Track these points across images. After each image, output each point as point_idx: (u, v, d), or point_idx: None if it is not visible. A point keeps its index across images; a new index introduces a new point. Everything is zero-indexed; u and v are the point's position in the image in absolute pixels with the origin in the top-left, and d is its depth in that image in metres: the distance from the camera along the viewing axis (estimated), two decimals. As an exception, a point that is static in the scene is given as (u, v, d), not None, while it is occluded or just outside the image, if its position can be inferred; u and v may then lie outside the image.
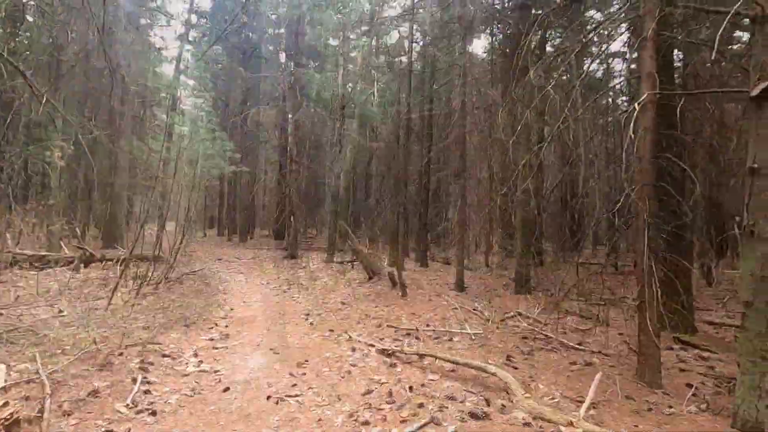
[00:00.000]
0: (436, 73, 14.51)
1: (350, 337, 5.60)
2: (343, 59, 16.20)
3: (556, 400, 3.73)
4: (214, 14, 22.39)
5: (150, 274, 8.08)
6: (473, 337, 5.57)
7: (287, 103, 15.45)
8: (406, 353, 4.69)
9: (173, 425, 3.19)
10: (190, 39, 22.59)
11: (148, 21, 20.76)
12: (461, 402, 3.57)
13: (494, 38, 17.19)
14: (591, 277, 5.20)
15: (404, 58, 17.27)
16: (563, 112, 3.72)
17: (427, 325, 6.14)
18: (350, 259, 12.81)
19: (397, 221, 9.89)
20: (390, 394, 3.74)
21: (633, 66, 15.41)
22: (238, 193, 21.81)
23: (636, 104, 3.49)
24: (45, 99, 4.27)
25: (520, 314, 6.81)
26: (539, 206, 4.76)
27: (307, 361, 4.76)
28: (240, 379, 4.20)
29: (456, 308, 7.28)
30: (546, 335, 5.59)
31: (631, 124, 3.47)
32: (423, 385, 3.93)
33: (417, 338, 5.52)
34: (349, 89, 16.58)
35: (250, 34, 21.12)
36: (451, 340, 5.52)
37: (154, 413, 3.34)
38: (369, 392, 3.83)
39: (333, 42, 19.42)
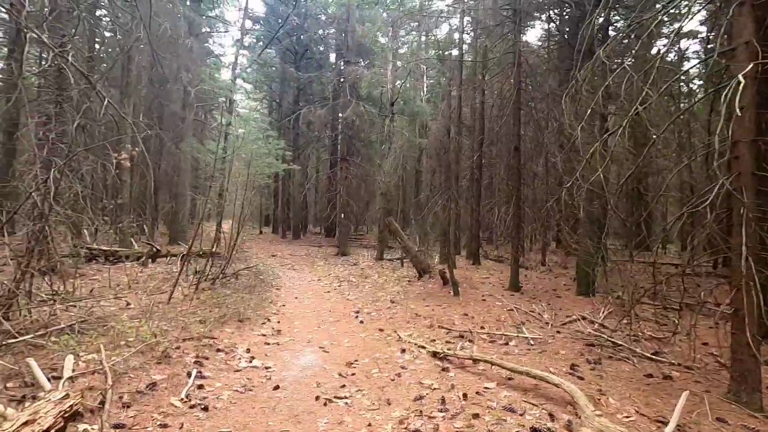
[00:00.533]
0: (488, 63, 13.95)
1: (400, 337, 5.43)
2: (393, 55, 16.04)
3: (631, 418, 3.32)
4: (267, 19, 23.12)
5: (208, 269, 8.41)
6: (531, 342, 5.19)
7: (337, 102, 15.56)
8: (459, 357, 4.43)
9: (224, 422, 3.19)
10: (245, 44, 23.54)
11: (208, 29, 21.82)
12: (521, 415, 3.27)
13: (550, 24, 16.28)
14: (668, 279, 4.63)
15: (455, 51, 16.83)
16: (638, 96, 3.26)
17: (482, 328, 5.83)
18: (400, 257, 12.67)
19: (448, 218, 9.57)
20: (442, 401, 3.52)
21: (710, 46, 13.91)
22: (291, 191, 22.43)
23: (740, 76, 2.96)
24: (106, 103, 4.48)
25: (583, 318, 6.29)
26: (607, 200, 4.28)
27: (356, 360, 4.65)
28: (290, 377, 4.17)
29: (512, 309, 6.88)
30: (615, 343, 5.08)
31: (727, 102, 2.96)
32: (478, 394, 3.67)
33: (470, 341, 5.23)
34: (399, 85, 16.41)
35: (301, 36, 21.56)
36: (507, 344, 5.18)
37: (206, 409, 3.36)
38: (420, 398, 3.63)
39: (382, 39, 19.35)
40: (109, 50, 18.02)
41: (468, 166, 13.14)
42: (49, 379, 3.28)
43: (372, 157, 16.86)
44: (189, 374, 3.89)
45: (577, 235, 6.52)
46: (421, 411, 3.39)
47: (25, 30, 5.62)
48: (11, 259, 5.23)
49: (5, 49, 17.66)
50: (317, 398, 3.66)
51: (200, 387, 3.72)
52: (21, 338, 3.80)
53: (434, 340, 5.30)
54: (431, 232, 10.33)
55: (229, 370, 4.23)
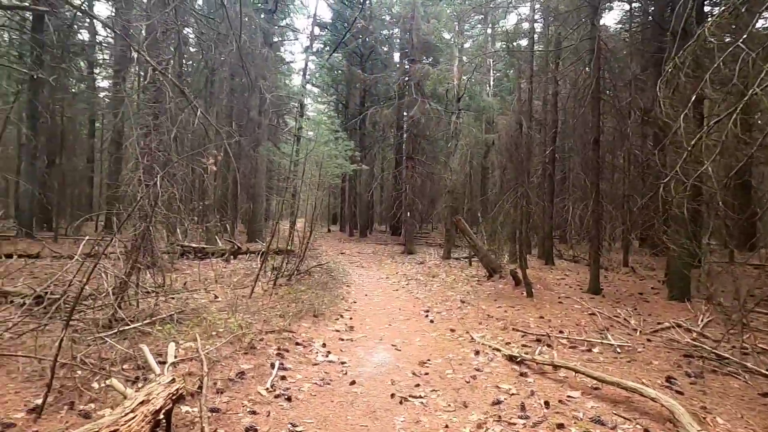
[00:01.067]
0: (562, 52, 13.17)
1: (473, 338, 5.33)
2: (458, 50, 15.76)
3: (745, 441, 2.95)
4: (334, 24, 23.86)
5: (284, 266, 8.88)
6: (618, 350, 4.81)
7: (402, 101, 15.61)
8: (537, 362, 4.24)
9: (306, 414, 3.34)
10: (314, 50, 24.50)
11: (279, 39, 22.97)
12: (612, 429, 3.05)
13: (633, 4, 14.97)
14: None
15: (524, 42, 16.11)
16: (756, 77, 2.83)
17: (560, 332, 5.52)
18: (468, 256, 12.42)
19: (520, 216, 9.20)
20: (522, 407, 3.39)
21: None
22: (358, 191, 22.96)
23: None
24: (199, 113, 4.90)
25: (678, 326, 5.71)
26: (711, 195, 3.83)
27: (428, 360, 4.64)
28: (365, 373, 4.26)
29: (593, 314, 6.44)
30: (719, 355, 4.54)
31: None
32: (561, 402, 3.48)
33: (549, 345, 4.98)
34: (465, 81, 16.06)
35: (367, 38, 21.95)
36: (590, 350, 4.85)
37: (289, 399, 3.55)
38: (498, 402, 3.53)
39: (447, 35, 19.08)
40: (193, 63, 19.67)
41: (540, 161, 12.52)
42: (156, 364, 3.67)
43: (437, 155, 16.72)
44: (272, 365, 4.13)
45: (669, 233, 5.91)
46: (499, 416, 3.29)
47: (133, 52, 6.26)
48: (121, 255, 5.89)
49: (110, 69, 20.02)
50: (392, 396, 3.71)
51: (283, 378, 3.94)
52: (132, 326, 4.29)
53: (509, 343, 5.12)
54: (501, 231, 10.00)
55: (307, 363, 4.43)
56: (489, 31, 21.97)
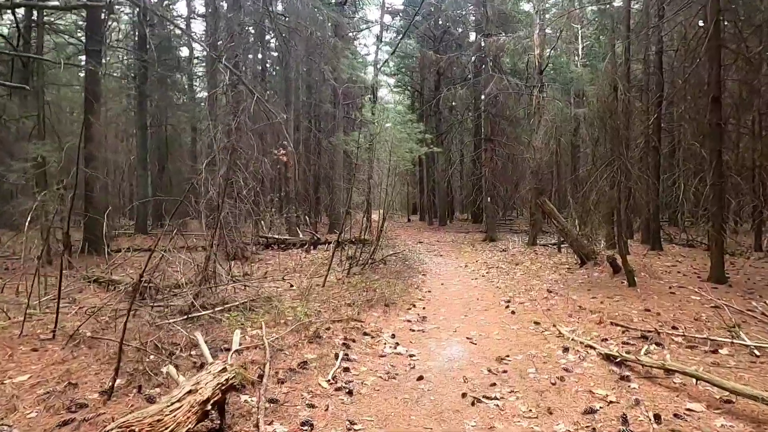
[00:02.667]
0: (666, 3, 11.24)
1: (561, 333, 4.65)
2: (539, 18, 14.34)
3: None
4: (406, 10, 23.37)
5: (358, 255, 8.81)
6: (757, 353, 3.82)
7: (478, 79, 14.69)
8: (644, 364, 3.49)
9: (366, 410, 3.08)
10: (386, 40, 24.32)
11: (353, 32, 23.12)
12: (754, 457, 2.32)
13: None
14: None
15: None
16: None
17: (673, 328, 4.59)
18: (557, 242, 11.31)
19: (618, 194, 8.01)
20: (624, 420, 2.76)
21: None
22: (436, 179, 22.36)
23: None
24: (276, 116, 4.90)
25: (844, 324, 4.43)
26: None
27: (507, 356, 4.12)
28: (435, 367, 3.90)
29: (717, 307, 5.31)
30: None
31: None
32: (677, 416, 2.78)
33: (658, 344, 4.14)
34: (548, 51, 14.61)
35: (439, 19, 21.13)
36: (715, 352, 3.93)
37: (350, 393, 3.32)
38: (591, 411, 2.93)
39: (525, 6, 17.55)
40: (273, 64, 20.58)
41: (642, 132, 10.87)
42: (220, 350, 3.69)
43: (519, 135, 15.47)
44: (336, 356, 3.95)
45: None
46: (593, 428, 2.71)
47: (217, 60, 6.55)
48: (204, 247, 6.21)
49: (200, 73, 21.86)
50: (464, 395, 3.29)
51: (346, 370, 3.74)
52: (203, 312, 4.42)
53: (606, 340, 4.37)
54: (595, 212, 8.85)
55: (374, 355, 4.19)
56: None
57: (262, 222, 13.23)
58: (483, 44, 14.99)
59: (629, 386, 3.27)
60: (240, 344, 3.77)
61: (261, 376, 3.32)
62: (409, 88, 27.74)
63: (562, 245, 10.83)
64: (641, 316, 5.17)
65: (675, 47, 12.04)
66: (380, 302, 6.08)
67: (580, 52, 19.56)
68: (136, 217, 17.23)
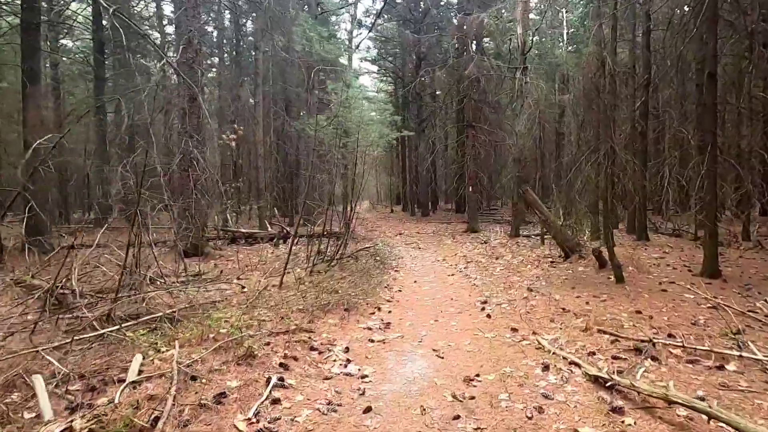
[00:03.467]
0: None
1: (541, 344, 3.99)
2: (522, -4, 13.56)
3: None
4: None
5: (324, 250, 8.06)
6: (770, 368, 3.21)
7: (459, 60, 13.89)
8: (640, 391, 2.83)
9: (286, 464, 2.36)
10: (368, 23, 23.31)
11: (325, 11, 21.94)
12: None
13: None
14: None
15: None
16: None
17: (670, 336, 3.97)
18: (540, 233, 10.71)
19: (605, 180, 7.39)
20: (619, 479, 2.09)
21: None
22: (420, 169, 21.59)
23: None
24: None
25: None
26: None
27: (477, 375, 3.44)
28: (388, 393, 3.20)
29: (715, 307, 4.72)
30: None
31: None
32: (688, 473, 2.12)
33: (654, 359, 3.50)
34: (531, 33, 13.86)
35: (421, 1, 20.18)
36: (722, 368, 3.30)
37: (273, 437, 2.60)
38: (576, 462, 2.26)
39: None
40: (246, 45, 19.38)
41: (628, 116, 10.28)
42: (112, 383, 2.90)
43: (502, 122, 14.77)
44: (268, 381, 3.22)
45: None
46: (579, 491, 2.03)
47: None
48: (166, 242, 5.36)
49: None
50: (418, 436, 2.60)
51: (276, 402, 3.00)
52: (97, 332, 3.61)
53: (593, 353, 3.72)
54: (580, 201, 8.24)
55: (318, 377, 3.47)
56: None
57: (230, 215, 12.36)
58: (464, 25, 14.15)
59: (623, 422, 2.60)
60: (140, 372, 3.00)
61: (157, 419, 2.56)
62: (390, 74, 26.77)
63: (545, 237, 10.24)
64: (632, 320, 4.54)
65: (664, 26, 11.42)
66: (339, 306, 5.35)
67: (565, 37, 18.93)
68: (97, 210, 16.12)
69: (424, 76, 16.18)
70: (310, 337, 4.24)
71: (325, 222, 8.82)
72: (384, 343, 4.35)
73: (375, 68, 28.05)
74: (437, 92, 22.28)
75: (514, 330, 4.51)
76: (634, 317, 4.65)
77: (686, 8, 10.17)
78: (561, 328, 4.44)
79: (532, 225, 13.74)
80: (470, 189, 14.80)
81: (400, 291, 6.68)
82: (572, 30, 20.10)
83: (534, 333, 4.32)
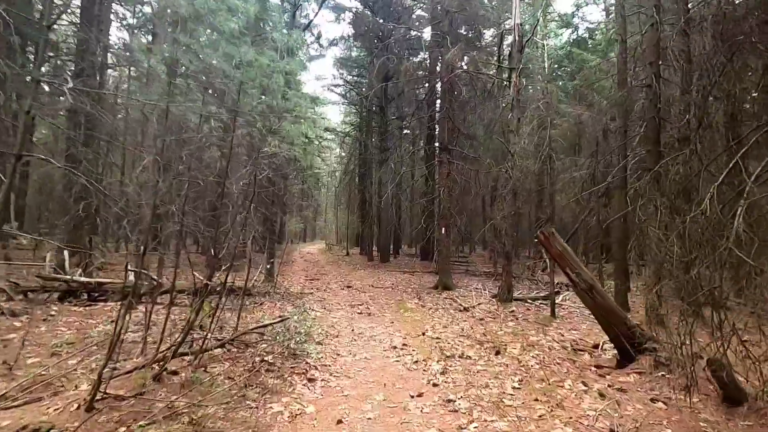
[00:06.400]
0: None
1: None
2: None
3: None
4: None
5: (180, 338, 3.95)
6: None
7: (434, 51, 10.58)
8: None
9: None
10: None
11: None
12: None
13: None
14: None
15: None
16: None
17: None
18: (545, 296, 7.00)
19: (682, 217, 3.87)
20: None
21: None
22: (381, 205, 17.88)
23: None
24: None
25: None
26: None
27: None
28: None
29: None
30: None
31: None
32: None
33: None
34: (528, 19, 10.94)
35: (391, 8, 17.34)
36: None
37: None
38: None
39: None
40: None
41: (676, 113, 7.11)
42: None
43: (486, 143, 11.38)
44: None
45: None
46: None
47: None
48: None
49: None
50: None
51: None
52: None
53: None
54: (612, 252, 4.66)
55: None
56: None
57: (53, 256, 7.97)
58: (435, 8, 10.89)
59: None
60: None
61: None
62: (355, 104, 23.45)
63: (560, 304, 6.59)
64: None
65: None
66: None
67: (546, 69, 16.39)
68: None
69: (384, 61, 12.71)
70: None
71: (227, 273, 4.72)
72: None
73: (338, 97, 24.69)
74: (405, 109, 19.06)
75: None
76: None
77: None
78: None
79: (535, 283, 10.13)
80: (443, 230, 11.16)
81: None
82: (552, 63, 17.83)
83: None
